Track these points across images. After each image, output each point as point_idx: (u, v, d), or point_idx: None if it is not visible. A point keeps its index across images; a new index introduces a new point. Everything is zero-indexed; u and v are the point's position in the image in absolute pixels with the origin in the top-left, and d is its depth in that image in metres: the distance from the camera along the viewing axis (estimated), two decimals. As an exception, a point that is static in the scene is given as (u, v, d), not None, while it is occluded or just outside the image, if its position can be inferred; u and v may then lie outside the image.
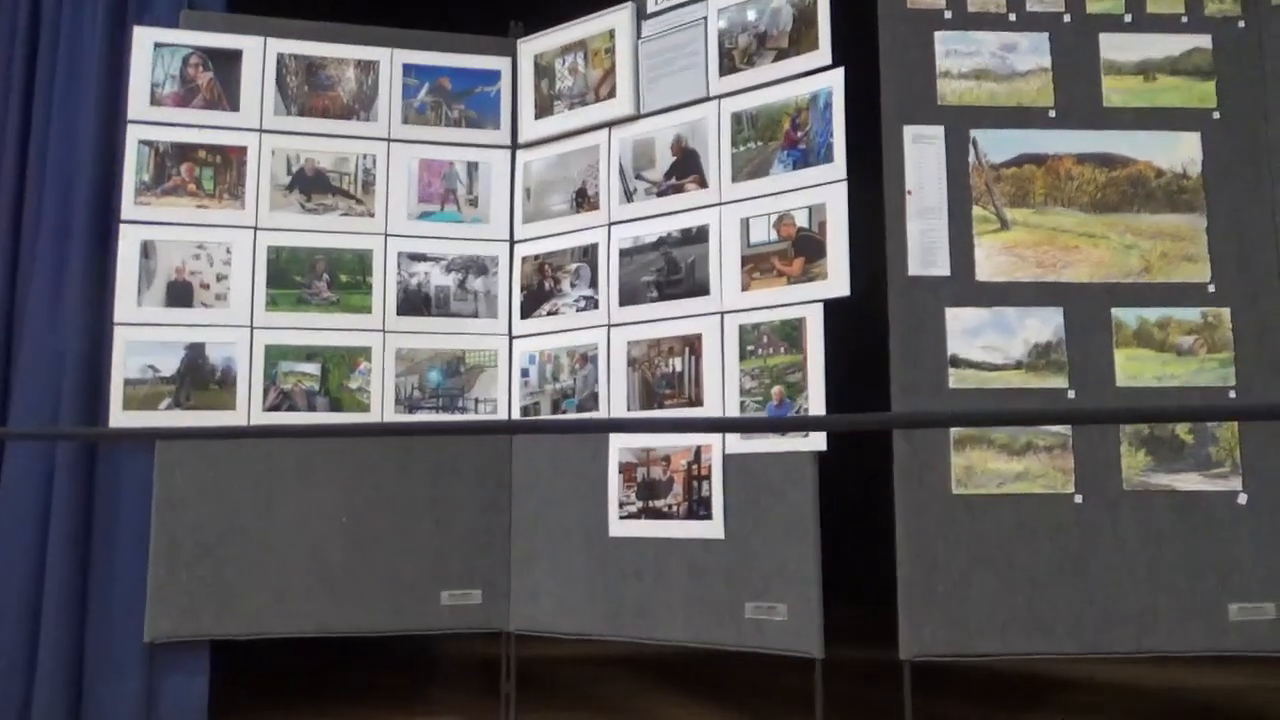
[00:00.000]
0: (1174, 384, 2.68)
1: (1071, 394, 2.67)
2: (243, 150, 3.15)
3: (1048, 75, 2.78)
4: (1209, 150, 2.76)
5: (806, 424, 1.16)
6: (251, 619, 2.98)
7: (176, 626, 2.94)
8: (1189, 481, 2.65)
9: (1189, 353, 2.69)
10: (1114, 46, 2.80)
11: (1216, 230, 2.73)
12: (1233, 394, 2.67)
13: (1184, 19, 2.80)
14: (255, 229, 3.14)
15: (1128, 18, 2.80)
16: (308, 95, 3.22)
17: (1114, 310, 2.71)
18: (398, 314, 3.19)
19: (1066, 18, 2.80)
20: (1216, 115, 2.77)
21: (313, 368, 3.12)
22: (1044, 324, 2.70)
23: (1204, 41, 2.80)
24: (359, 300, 3.18)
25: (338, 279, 3.17)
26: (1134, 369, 2.69)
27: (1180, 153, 2.77)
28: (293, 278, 3.15)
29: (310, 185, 3.19)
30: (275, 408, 3.09)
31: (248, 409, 3.06)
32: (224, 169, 3.13)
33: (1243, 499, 2.64)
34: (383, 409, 3.16)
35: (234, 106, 3.16)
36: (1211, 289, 2.71)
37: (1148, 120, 2.77)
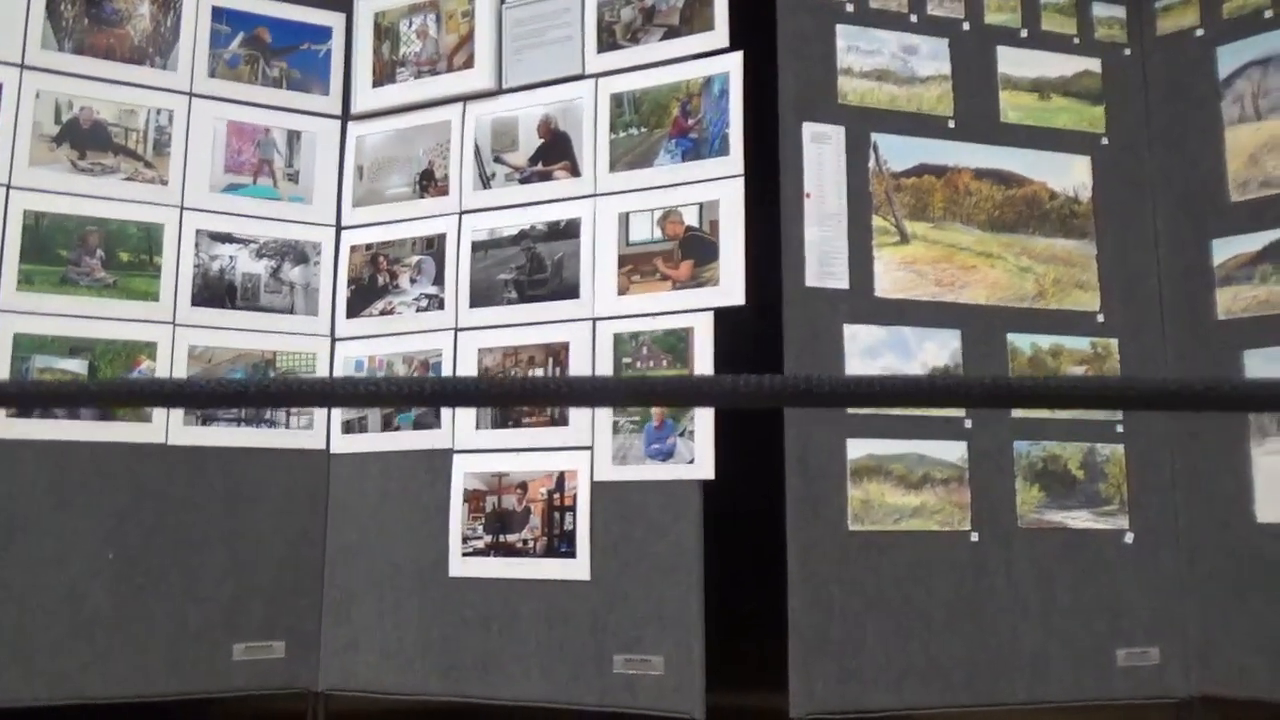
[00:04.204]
0: (1064, 416, 2.56)
1: (969, 424, 2.49)
2: (-4, 87, 2.50)
3: (948, 83, 2.62)
4: (1098, 176, 2.67)
5: (691, 395, 0.89)
6: (-22, 684, 2.32)
7: None
8: (1080, 519, 2.52)
9: (1079, 383, 2.58)
10: (1011, 61, 2.67)
11: (1105, 258, 2.64)
12: (1120, 428, 2.58)
13: (1075, 40, 2.72)
14: (8, 187, 2.49)
15: (1024, 33, 2.69)
16: (87, 29, 2.61)
17: (1009, 335, 2.56)
18: (193, 304, 2.63)
19: (965, 25, 2.65)
20: (1105, 141, 2.69)
21: (78, 364, 2.50)
22: (941, 347, 2.51)
23: (1094, 65, 2.72)
24: (143, 285, 2.59)
25: (116, 257, 2.57)
26: (1028, 398, 2.54)
27: (1072, 176, 2.66)
28: (56, 252, 2.52)
29: (85, 140, 2.58)
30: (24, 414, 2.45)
31: (-14, 414, 2.41)
32: (-31, 108, 2.48)
33: (1129, 538, 2.53)
34: (168, 419, 2.57)
35: (-13, 32, 2.51)
36: (1101, 319, 2.62)
37: (1042, 140, 2.66)
